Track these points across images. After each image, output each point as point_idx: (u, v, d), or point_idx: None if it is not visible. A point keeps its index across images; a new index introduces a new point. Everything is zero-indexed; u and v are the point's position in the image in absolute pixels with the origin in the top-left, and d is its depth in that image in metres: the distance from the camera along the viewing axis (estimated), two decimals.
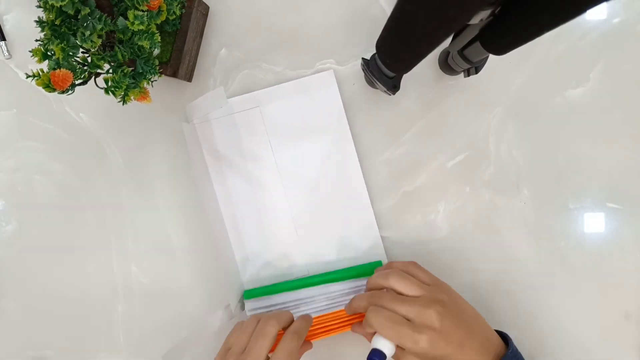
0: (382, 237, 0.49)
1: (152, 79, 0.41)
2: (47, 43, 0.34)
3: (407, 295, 0.37)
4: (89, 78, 0.38)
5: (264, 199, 0.49)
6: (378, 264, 0.47)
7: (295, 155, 0.49)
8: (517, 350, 0.37)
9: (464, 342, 0.35)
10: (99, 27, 0.34)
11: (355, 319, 0.44)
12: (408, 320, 0.35)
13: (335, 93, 0.48)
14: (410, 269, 0.40)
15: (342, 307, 0.44)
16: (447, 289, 0.39)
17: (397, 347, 0.36)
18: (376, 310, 0.36)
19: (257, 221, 0.49)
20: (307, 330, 0.39)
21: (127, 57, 0.37)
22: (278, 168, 0.49)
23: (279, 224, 0.49)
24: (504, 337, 0.39)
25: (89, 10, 0.33)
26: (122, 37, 0.37)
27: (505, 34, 0.34)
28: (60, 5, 0.32)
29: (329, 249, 0.49)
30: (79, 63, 0.36)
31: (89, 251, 0.51)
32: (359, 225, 0.49)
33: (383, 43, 0.37)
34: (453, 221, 0.50)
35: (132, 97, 0.40)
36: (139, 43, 0.37)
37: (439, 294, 0.37)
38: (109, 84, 0.37)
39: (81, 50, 0.36)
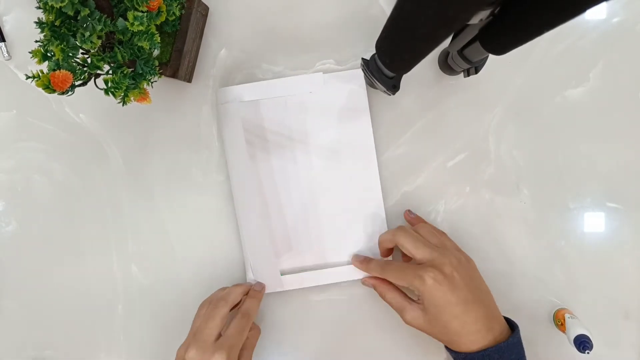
0: None
1: (151, 80, 0.41)
2: (46, 44, 0.34)
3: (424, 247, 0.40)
4: (89, 79, 0.38)
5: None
6: None
7: (325, 149, 0.49)
8: (520, 340, 0.37)
9: (468, 301, 0.36)
10: (99, 28, 0.34)
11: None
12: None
13: (363, 93, 0.49)
14: (421, 231, 0.43)
15: None
16: (463, 255, 0.41)
17: (403, 295, 0.41)
18: (405, 230, 0.42)
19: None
20: (257, 308, 0.44)
21: (126, 58, 0.37)
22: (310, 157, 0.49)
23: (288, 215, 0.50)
24: (511, 324, 0.39)
25: (89, 11, 0.33)
26: (121, 38, 0.37)
27: (505, 34, 0.34)
28: (60, 6, 0.32)
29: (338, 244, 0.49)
30: (78, 64, 0.36)
31: (89, 251, 0.51)
32: (370, 224, 0.49)
33: (383, 43, 0.37)
34: (453, 221, 0.50)
35: (132, 98, 0.40)
36: (139, 44, 0.37)
37: (454, 252, 0.40)
38: (109, 84, 0.37)
39: (81, 51, 0.36)
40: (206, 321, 0.40)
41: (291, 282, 0.48)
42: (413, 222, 0.47)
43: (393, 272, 0.41)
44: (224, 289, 0.46)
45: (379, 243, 0.46)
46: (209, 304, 0.43)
